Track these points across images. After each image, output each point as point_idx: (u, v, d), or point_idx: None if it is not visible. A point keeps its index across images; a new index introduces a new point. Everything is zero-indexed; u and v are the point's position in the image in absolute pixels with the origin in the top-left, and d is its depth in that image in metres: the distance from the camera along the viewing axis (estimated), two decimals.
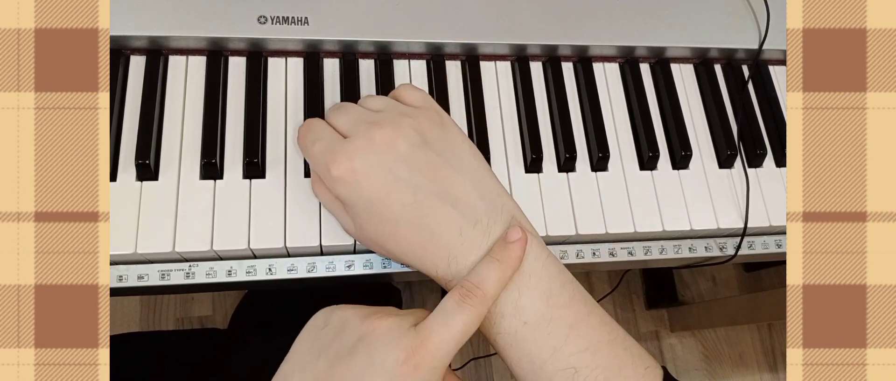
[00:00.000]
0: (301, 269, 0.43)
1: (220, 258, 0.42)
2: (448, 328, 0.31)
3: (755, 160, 0.51)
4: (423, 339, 0.30)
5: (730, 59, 0.55)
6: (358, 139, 0.34)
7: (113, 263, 0.41)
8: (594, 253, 0.47)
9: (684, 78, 0.54)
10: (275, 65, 0.47)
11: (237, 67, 0.47)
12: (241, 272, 0.42)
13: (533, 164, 0.47)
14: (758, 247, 0.50)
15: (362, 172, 0.33)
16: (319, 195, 0.40)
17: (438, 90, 0.48)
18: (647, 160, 0.49)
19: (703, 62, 0.54)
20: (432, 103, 0.38)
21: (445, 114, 0.38)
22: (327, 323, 0.32)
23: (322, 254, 0.44)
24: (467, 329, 0.31)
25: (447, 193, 0.34)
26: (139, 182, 0.42)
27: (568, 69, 0.52)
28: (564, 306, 0.34)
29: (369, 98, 0.38)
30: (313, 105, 0.46)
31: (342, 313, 0.32)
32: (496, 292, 0.32)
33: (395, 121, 0.34)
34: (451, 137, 0.36)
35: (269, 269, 0.43)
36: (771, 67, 0.55)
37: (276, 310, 0.66)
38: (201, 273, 0.42)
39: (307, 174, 0.44)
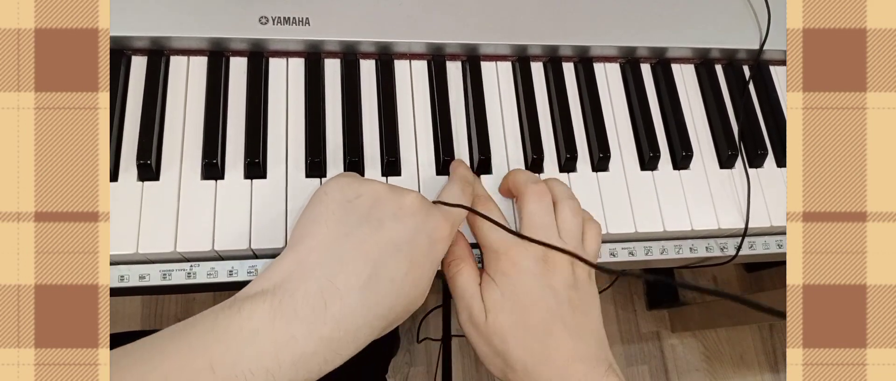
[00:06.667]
0: None
1: (222, 258, 0.42)
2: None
3: (756, 160, 0.51)
4: (446, 214, 0.38)
5: (731, 60, 0.54)
6: (537, 249, 0.40)
7: (114, 263, 0.41)
8: None
9: (685, 78, 0.54)
10: (276, 65, 0.47)
11: (238, 68, 0.47)
12: (243, 272, 0.42)
13: (534, 164, 0.47)
14: (758, 247, 0.50)
15: (523, 271, 0.39)
16: (462, 275, 0.41)
17: (439, 91, 0.48)
18: (648, 160, 0.49)
19: (703, 63, 0.54)
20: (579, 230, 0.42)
21: (593, 268, 0.42)
22: (359, 195, 0.36)
23: None
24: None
25: (577, 328, 0.39)
26: (140, 182, 0.42)
27: (569, 70, 0.52)
28: None
29: (566, 208, 0.42)
30: (314, 106, 0.46)
31: (371, 188, 0.37)
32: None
33: (568, 265, 0.40)
34: (591, 291, 0.41)
35: None
36: (772, 68, 0.55)
37: None
38: (202, 273, 0.42)
39: (308, 175, 0.44)
